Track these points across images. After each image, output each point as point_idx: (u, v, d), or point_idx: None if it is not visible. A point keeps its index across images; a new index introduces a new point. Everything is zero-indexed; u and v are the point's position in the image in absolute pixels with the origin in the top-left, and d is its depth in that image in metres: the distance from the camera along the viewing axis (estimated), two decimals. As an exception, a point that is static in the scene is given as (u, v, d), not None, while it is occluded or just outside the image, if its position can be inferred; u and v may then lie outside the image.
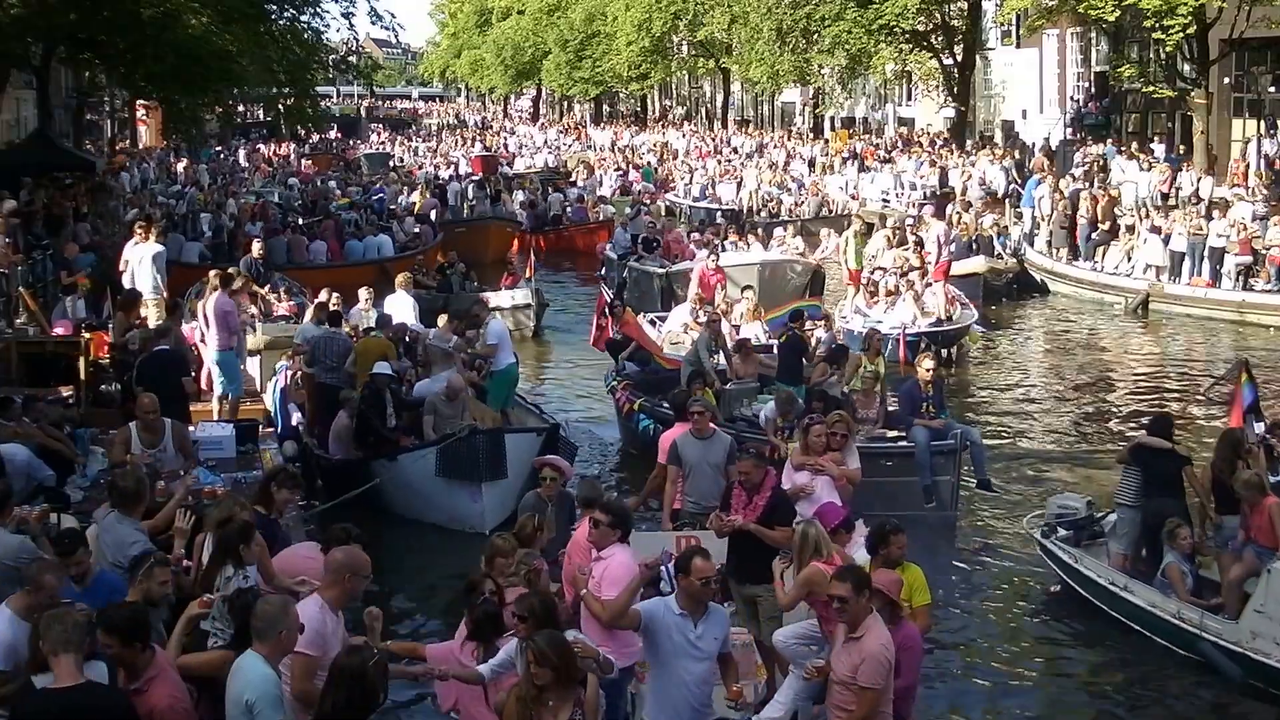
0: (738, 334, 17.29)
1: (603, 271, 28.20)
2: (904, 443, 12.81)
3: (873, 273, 21.67)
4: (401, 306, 17.19)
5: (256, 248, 22.12)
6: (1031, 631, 10.76)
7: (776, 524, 8.58)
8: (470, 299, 20.20)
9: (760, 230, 27.25)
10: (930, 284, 21.14)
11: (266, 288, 20.01)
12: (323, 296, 17.36)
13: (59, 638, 5.65)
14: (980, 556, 12.30)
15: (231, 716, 5.86)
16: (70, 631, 5.67)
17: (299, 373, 14.72)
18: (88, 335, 14.88)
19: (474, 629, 6.99)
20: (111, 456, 10.72)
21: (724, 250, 23.18)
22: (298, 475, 8.68)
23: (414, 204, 35.07)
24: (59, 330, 16.27)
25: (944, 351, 19.89)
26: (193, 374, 13.97)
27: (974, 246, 26.05)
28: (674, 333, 18.17)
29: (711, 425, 10.56)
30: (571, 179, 44.52)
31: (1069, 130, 40.15)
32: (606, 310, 17.14)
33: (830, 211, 35.85)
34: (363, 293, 17.14)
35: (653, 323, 19.60)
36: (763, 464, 8.98)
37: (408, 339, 15.95)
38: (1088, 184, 29.72)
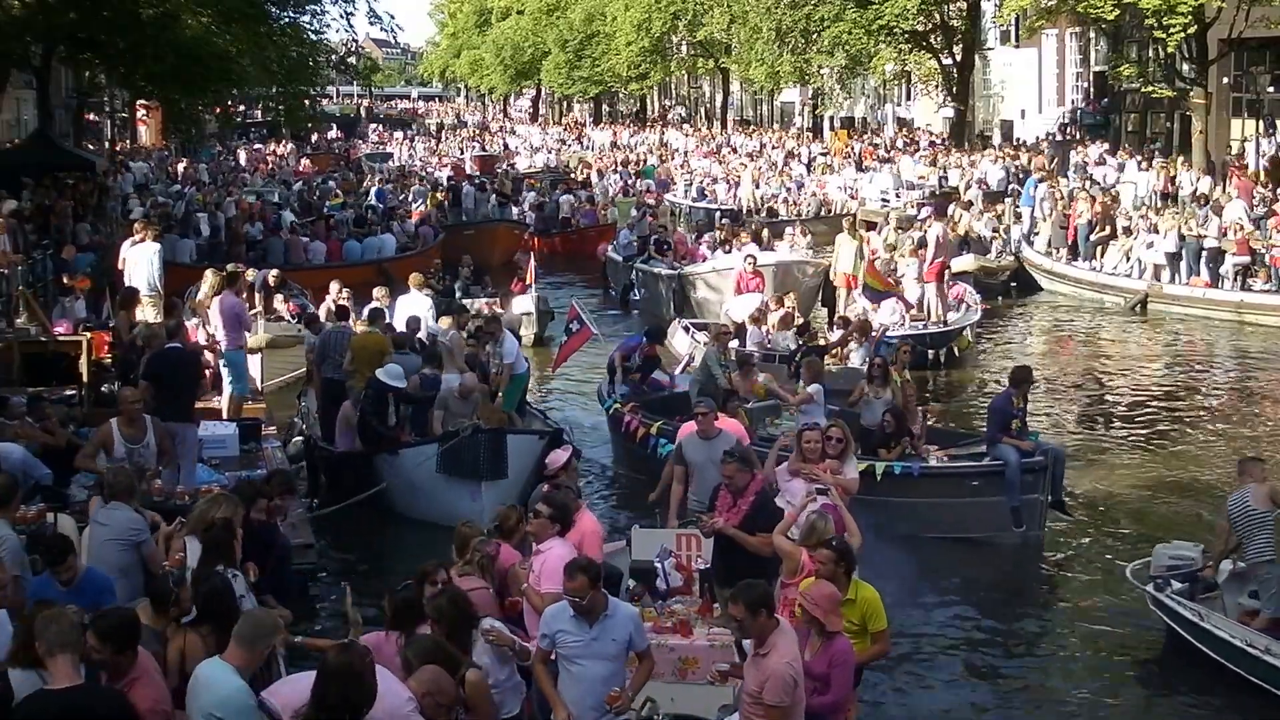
0: (769, 342, 17.09)
1: (605, 274, 27.94)
2: (988, 461, 12.17)
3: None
4: (416, 306, 17.18)
5: (273, 275, 21.33)
6: (1146, 687, 9.88)
7: (759, 529, 8.61)
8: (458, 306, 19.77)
9: (766, 230, 27.07)
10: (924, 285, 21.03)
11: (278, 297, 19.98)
12: (332, 291, 17.35)
13: (55, 638, 5.62)
14: (1068, 589, 11.68)
15: None
16: (66, 632, 5.65)
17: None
18: (88, 335, 14.91)
19: (393, 618, 6.99)
20: (82, 452, 10.42)
21: (730, 251, 22.99)
22: (291, 480, 8.55)
23: (412, 207, 34.78)
24: (59, 330, 16.28)
25: (934, 354, 19.66)
26: (206, 373, 14.01)
27: (966, 245, 26.05)
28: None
29: (717, 425, 10.56)
30: (582, 180, 44.02)
31: (1067, 130, 40.22)
32: (574, 326, 16.50)
33: (829, 211, 35.84)
34: (377, 291, 17.19)
35: (686, 330, 19.23)
36: (747, 467, 9.04)
37: (423, 339, 15.81)
38: (1086, 184, 29.76)
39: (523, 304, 21.70)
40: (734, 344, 16.30)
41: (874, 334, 17.38)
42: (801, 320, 19.00)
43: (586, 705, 6.76)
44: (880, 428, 12.57)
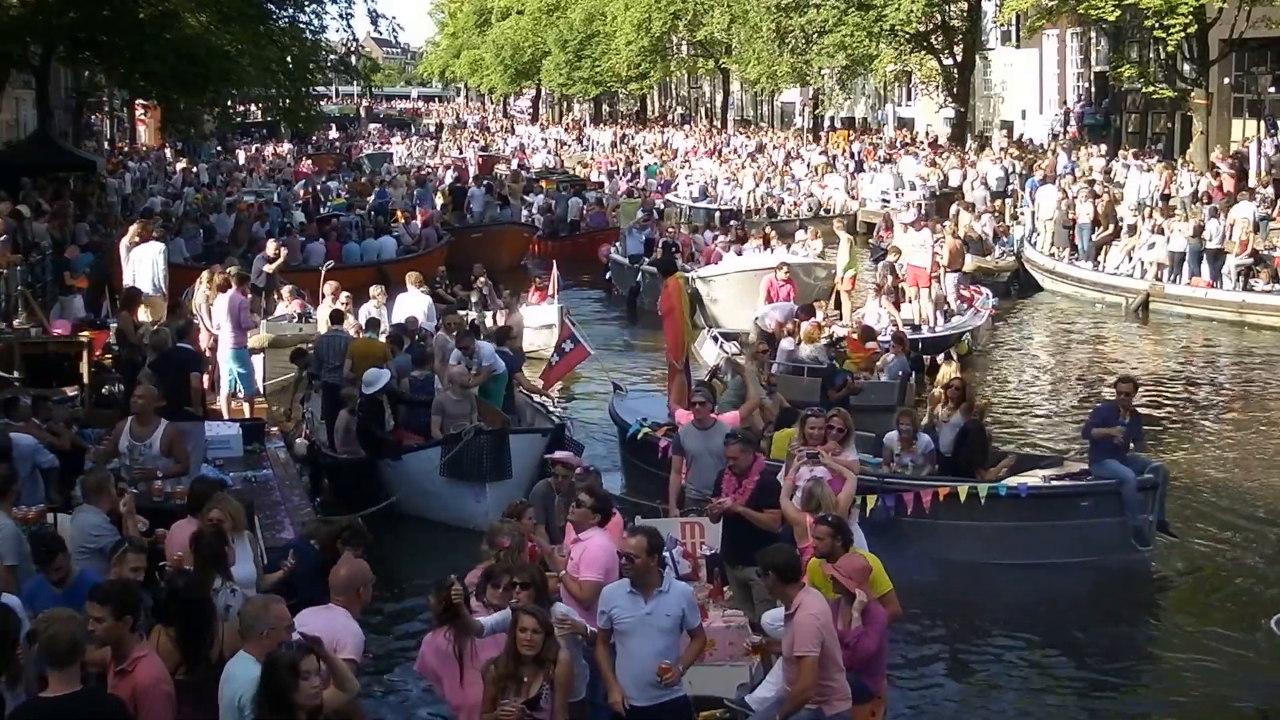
0: (796, 351, 16.80)
1: (609, 276, 27.63)
2: (1093, 480, 11.74)
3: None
4: (414, 306, 17.09)
5: (272, 246, 21.70)
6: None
7: (765, 506, 8.94)
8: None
9: (773, 231, 26.91)
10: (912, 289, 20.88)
11: (285, 288, 19.90)
12: (328, 291, 17.31)
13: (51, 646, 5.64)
14: (1190, 623, 11.09)
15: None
16: (77, 637, 5.67)
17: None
18: (88, 335, 14.87)
19: (442, 614, 7.04)
20: (103, 450, 10.50)
21: (740, 253, 22.85)
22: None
23: (415, 208, 34.46)
24: (59, 330, 16.24)
25: (930, 360, 19.46)
26: (205, 374, 13.95)
27: (965, 246, 25.95)
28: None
29: (713, 415, 10.65)
30: (598, 182, 43.57)
31: (1068, 131, 40.20)
32: (568, 345, 16.11)
33: (829, 212, 35.78)
34: (374, 290, 17.12)
35: (715, 339, 18.85)
36: (750, 449, 9.31)
37: (417, 338, 15.74)
38: (1088, 184, 29.71)
39: (545, 315, 20.05)
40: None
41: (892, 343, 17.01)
42: (830, 334, 17.97)
43: (643, 681, 6.91)
44: (969, 448, 12.21)
